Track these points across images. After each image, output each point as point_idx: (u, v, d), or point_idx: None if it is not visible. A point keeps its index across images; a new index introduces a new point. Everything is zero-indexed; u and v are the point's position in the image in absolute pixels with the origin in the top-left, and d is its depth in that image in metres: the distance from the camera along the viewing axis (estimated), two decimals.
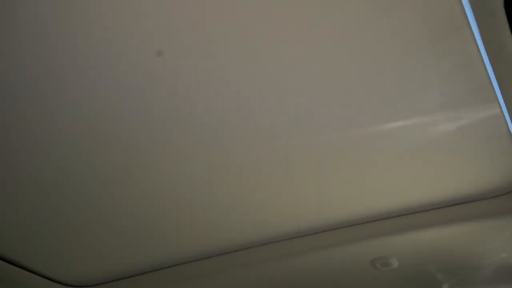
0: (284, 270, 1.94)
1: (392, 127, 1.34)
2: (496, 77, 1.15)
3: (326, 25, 1.06)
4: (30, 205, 1.49)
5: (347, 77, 1.18)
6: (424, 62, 1.14)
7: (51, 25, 1.02)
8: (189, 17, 1.03)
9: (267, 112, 1.28)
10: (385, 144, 1.40)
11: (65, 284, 1.93)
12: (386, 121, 1.32)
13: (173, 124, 1.29)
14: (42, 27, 1.02)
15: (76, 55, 1.08)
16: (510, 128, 1.34)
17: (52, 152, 1.32)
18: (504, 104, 1.25)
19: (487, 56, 1.11)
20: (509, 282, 1.95)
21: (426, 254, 1.84)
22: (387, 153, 1.44)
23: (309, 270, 1.95)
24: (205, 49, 1.10)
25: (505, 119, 1.31)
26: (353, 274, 1.96)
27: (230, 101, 1.23)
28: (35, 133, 1.26)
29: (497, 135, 1.37)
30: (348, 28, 1.06)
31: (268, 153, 1.41)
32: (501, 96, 1.21)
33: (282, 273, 1.96)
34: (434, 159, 1.46)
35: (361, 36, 1.08)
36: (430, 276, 1.95)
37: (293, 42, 1.09)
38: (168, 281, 1.94)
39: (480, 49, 1.09)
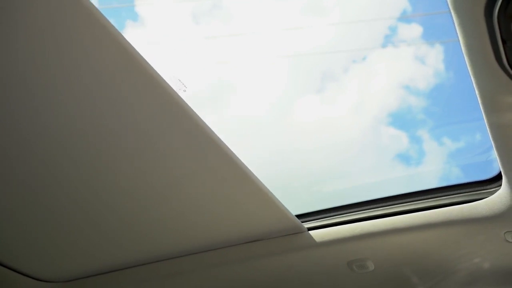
0: (261, 270, 1.94)
1: None
2: (476, 83, 1.17)
3: None
4: (9, 203, 1.49)
5: None
6: None
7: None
8: None
9: None
10: None
11: (39, 280, 1.91)
12: None
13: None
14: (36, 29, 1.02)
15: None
16: None
17: (35, 150, 1.31)
18: None
19: (468, 63, 1.13)
20: (481, 287, 1.98)
21: (401, 257, 1.86)
22: None
23: (285, 271, 1.95)
24: None
25: None
26: (329, 276, 1.97)
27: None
28: (18, 130, 1.25)
29: None
30: None
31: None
32: None
33: (258, 273, 1.96)
34: None
35: None
36: (405, 280, 1.97)
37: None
38: (147, 278, 1.95)
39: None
